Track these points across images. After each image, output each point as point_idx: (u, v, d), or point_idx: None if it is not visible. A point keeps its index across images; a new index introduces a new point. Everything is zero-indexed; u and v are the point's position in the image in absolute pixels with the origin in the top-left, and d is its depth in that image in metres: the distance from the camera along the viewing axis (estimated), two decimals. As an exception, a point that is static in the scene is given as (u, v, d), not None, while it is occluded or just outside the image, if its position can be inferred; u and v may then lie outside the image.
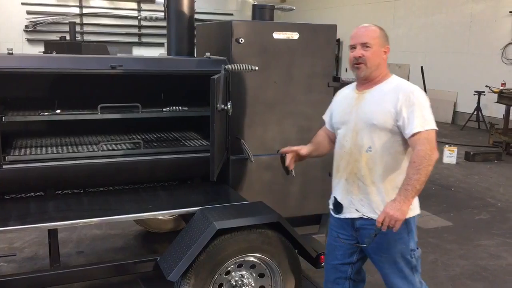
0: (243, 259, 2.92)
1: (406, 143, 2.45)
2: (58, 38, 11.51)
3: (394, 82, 2.53)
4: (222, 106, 2.97)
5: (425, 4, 12.51)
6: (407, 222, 2.45)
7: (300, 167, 3.59)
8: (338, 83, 3.75)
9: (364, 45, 2.48)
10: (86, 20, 15.72)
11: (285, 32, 3.44)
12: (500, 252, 4.52)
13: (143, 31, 16.39)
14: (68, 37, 11.45)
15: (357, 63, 2.51)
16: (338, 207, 2.64)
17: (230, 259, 2.85)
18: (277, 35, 3.42)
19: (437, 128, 2.41)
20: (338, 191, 2.65)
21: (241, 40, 3.30)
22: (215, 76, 2.84)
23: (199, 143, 3.64)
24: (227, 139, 3.43)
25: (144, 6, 16.31)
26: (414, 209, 2.50)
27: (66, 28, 12.56)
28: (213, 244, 2.77)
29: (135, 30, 16.38)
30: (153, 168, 3.36)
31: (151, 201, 3.23)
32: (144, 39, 16.39)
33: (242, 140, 3.41)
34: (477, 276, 4.06)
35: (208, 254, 2.76)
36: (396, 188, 2.42)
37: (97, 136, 3.69)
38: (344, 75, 14.92)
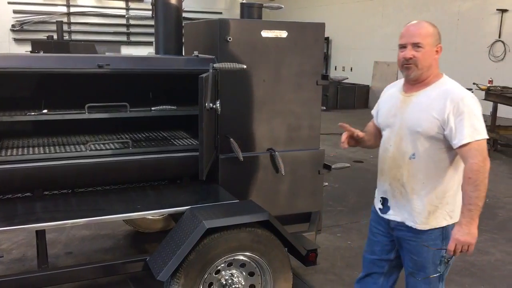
0: (233, 258, 2.92)
1: (450, 150, 2.36)
2: (46, 37, 11.42)
3: (443, 86, 2.38)
4: (211, 105, 2.97)
5: (413, 2, 12.60)
6: (444, 229, 2.42)
7: (290, 165, 3.61)
8: (327, 81, 3.76)
9: (416, 45, 2.33)
10: (73, 19, 15.60)
11: (273, 31, 3.44)
12: (488, 248, 4.57)
13: (132, 30, 16.31)
14: (55, 36, 11.37)
15: (407, 64, 2.37)
16: (385, 207, 2.60)
17: (220, 258, 2.84)
18: (265, 34, 3.42)
19: (488, 137, 2.30)
20: (384, 193, 2.60)
21: (230, 39, 3.30)
22: (204, 75, 2.83)
23: (188, 142, 3.63)
24: (216, 137, 3.42)
25: (132, 4, 16.23)
26: (455, 217, 2.40)
27: (54, 27, 12.46)
28: (202, 243, 2.76)
29: (124, 29, 16.29)
30: (142, 168, 3.34)
31: (140, 201, 3.21)
32: (132, 38, 16.32)
33: (231, 139, 3.41)
34: (466, 272, 4.09)
35: (197, 253, 2.75)
36: (439, 198, 2.40)
37: (85, 136, 3.66)
38: (333, 74, 14.98)
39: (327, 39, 15.09)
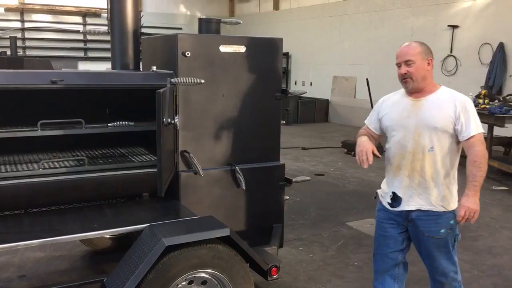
0: (194, 275, 2.86)
1: (458, 143, 2.83)
2: (-2, 53, 11.07)
3: (447, 92, 2.88)
4: (169, 120, 2.93)
5: (368, 19, 12.95)
6: (454, 211, 2.83)
7: (250, 180, 3.59)
8: (286, 96, 3.79)
9: (408, 62, 2.79)
10: (28, 34, 15.20)
11: (232, 46, 3.44)
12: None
13: (89, 45, 16.03)
14: (8, 52, 11.04)
15: (404, 78, 2.83)
16: (396, 201, 2.92)
17: (180, 276, 2.78)
18: (224, 48, 3.42)
19: (484, 131, 2.77)
20: (398, 187, 2.92)
21: (188, 54, 3.28)
22: (161, 90, 2.80)
23: (146, 158, 3.56)
24: (175, 153, 3.37)
25: (89, 20, 15.97)
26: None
27: (7, 43, 12.10)
28: (162, 262, 2.70)
29: (81, 45, 16.00)
30: (98, 186, 3.25)
31: (97, 220, 3.12)
32: (90, 54, 16.03)
33: (190, 154, 3.37)
34: (424, 281, 4.14)
35: (157, 272, 2.69)
36: (450, 183, 2.85)
37: (38, 154, 3.54)
38: (293, 88, 15.15)
39: (286, 54, 15.28)
